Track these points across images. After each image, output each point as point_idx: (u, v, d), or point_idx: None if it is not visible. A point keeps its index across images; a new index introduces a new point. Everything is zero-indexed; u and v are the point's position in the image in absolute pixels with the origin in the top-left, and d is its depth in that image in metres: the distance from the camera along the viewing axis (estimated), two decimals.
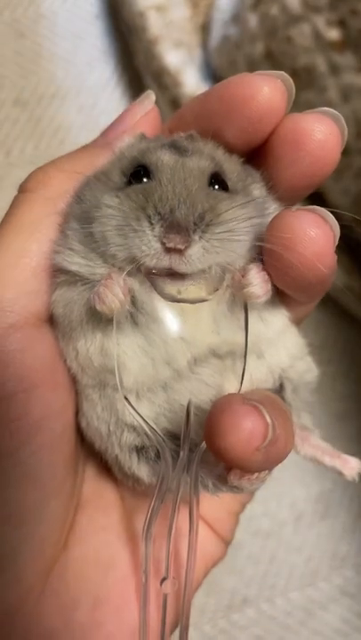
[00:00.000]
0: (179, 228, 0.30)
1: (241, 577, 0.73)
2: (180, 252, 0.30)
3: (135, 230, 0.31)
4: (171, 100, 0.73)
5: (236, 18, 0.66)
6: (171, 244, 0.30)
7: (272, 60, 0.62)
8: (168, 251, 0.30)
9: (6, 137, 0.82)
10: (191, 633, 0.69)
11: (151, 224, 0.31)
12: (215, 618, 0.71)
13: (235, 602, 0.72)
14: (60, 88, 0.84)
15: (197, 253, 0.31)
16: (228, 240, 0.32)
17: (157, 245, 0.31)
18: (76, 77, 0.85)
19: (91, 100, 0.85)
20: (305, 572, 0.74)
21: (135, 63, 0.81)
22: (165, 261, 0.31)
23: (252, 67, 0.65)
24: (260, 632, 0.71)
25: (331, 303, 0.77)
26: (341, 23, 0.57)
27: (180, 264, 0.31)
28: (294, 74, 0.61)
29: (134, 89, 0.85)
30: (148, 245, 0.31)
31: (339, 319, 0.80)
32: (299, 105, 0.64)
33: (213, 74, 0.74)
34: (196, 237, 0.30)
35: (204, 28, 0.76)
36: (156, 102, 0.74)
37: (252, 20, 0.63)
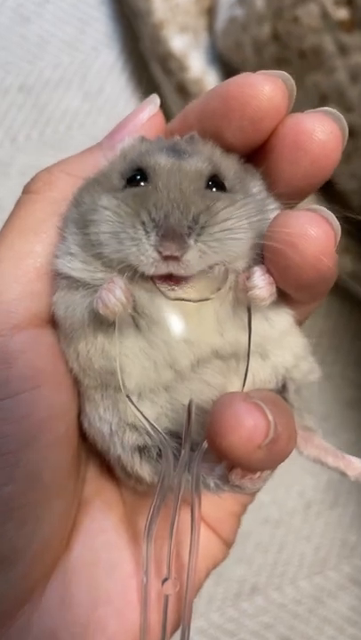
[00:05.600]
0: (173, 235, 0.30)
1: (250, 565, 0.73)
2: (176, 258, 0.30)
3: (132, 239, 0.31)
4: (176, 85, 0.72)
5: None
6: (167, 253, 0.30)
7: (279, 42, 0.61)
8: (166, 258, 0.31)
9: (12, 123, 0.82)
10: (200, 621, 0.70)
11: (147, 232, 0.31)
12: (224, 606, 0.72)
13: (244, 590, 0.73)
14: (66, 73, 0.84)
15: (194, 257, 0.31)
16: (226, 239, 0.32)
17: (155, 255, 0.31)
18: (81, 63, 0.85)
19: (97, 86, 0.84)
20: (314, 560, 0.74)
21: (141, 48, 0.80)
22: (164, 268, 0.31)
23: (258, 49, 0.64)
24: (269, 620, 0.72)
25: (341, 290, 0.76)
26: (349, 2, 0.56)
27: (178, 269, 0.31)
28: (302, 55, 0.60)
29: (140, 74, 0.84)
30: (146, 255, 0.31)
31: (350, 306, 0.79)
32: (307, 88, 0.63)
33: (219, 57, 0.72)
34: (192, 242, 0.31)
35: (210, 12, 0.75)
36: (162, 87, 0.73)
37: (259, 1, 0.62)
